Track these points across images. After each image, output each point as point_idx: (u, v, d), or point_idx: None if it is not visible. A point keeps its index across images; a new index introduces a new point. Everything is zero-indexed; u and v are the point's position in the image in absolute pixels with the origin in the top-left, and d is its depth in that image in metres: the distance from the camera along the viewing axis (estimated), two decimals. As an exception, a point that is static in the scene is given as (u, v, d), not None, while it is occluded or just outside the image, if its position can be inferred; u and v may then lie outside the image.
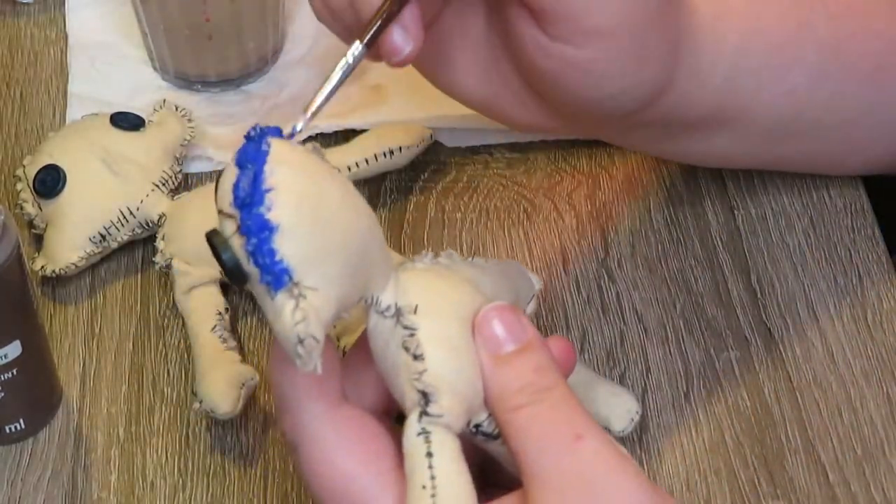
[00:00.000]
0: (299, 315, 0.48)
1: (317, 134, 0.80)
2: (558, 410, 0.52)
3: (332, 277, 0.49)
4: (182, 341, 0.73)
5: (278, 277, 0.48)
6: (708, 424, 0.69)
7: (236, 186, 0.49)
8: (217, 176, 0.51)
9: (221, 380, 0.67)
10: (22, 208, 0.76)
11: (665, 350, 0.71)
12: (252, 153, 0.49)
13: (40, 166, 0.75)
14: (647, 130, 0.68)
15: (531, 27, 0.61)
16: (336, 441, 0.52)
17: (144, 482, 0.68)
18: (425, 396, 0.51)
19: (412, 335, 0.52)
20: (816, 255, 0.75)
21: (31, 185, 0.75)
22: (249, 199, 0.49)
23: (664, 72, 0.64)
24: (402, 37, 0.59)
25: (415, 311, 0.52)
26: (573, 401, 0.53)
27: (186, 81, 0.84)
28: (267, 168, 0.49)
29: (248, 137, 0.50)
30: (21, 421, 0.68)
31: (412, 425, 0.51)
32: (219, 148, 0.81)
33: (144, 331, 0.73)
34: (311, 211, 0.49)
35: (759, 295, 0.73)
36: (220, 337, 0.70)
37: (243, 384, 0.67)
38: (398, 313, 0.52)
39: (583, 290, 0.74)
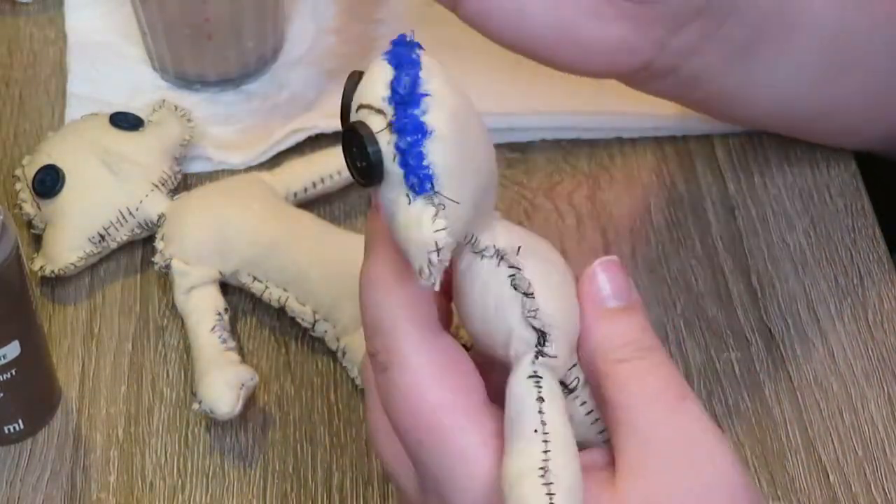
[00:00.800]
0: (441, 223, 0.47)
1: (317, 134, 0.80)
2: (663, 369, 0.52)
3: (467, 197, 0.49)
4: (181, 342, 0.73)
5: (423, 182, 0.47)
6: (708, 425, 0.69)
7: (396, 82, 0.48)
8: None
9: (221, 380, 0.67)
10: (21, 208, 0.76)
11: (665, 350, 0.71)
12: (406, 57, 0.49)
13: (39, 166, 0.75)
14: (717, 36, 0.66)
15: None
16: (430, 370, 0.51)
17: (143, 483, 0.67)
18: (542, 336, 0.50)
19: (520, 273, 0.51)
20: (817, 255, 0.75)
21: (30, 185, 0.75)
22: (409, 97, 0.48)
23: None
24: None
25: (517, 252, 0.51)
26: (673, 365, 0.53)
27: (186, 81, 0.84)
28: (423, 74, 0.49)
29: (395, 43, 0.49)
30: (20, 421, 0.68)
31: (524, 367, 0.50)
32: (218, 148, 0.81)
33: (143, 331, 0.73)
34: (461, 127, 0.49)
35: (759, 295, 0.73)
36: (219, 337, 0.70)
37: (243, 385, 0.67)
38: (500, 253, 0.51)
39: (583, 290, 0.74)
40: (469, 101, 0.50)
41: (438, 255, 0.47)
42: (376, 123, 0.48)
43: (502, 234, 0.52)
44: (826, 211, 0.77)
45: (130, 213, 0.74)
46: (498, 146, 0.79)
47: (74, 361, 0.72)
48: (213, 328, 0.70)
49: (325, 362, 0.71)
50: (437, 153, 0.48)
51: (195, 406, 0.67)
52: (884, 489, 0.66)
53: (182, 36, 0.82)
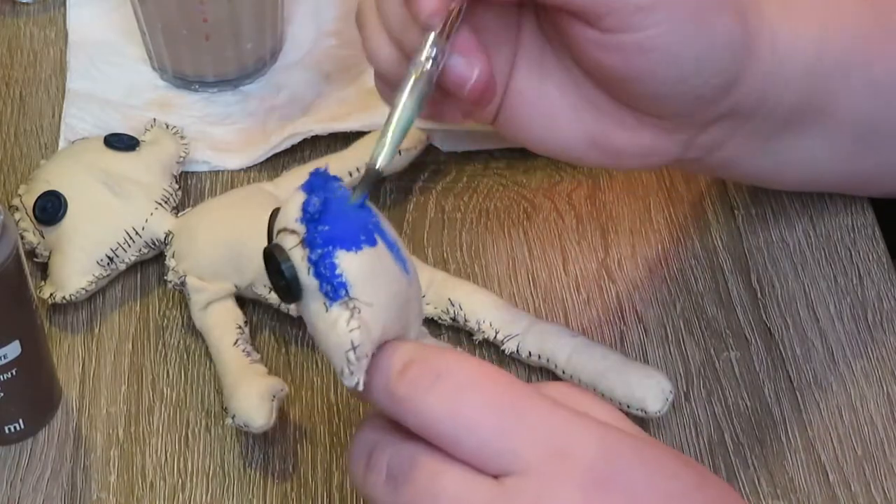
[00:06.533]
0: (354, 323, 0.51)
1: (312, 136, 0.80)
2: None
3: (382, 301, 0.52)
4: (181, 342, 0.73)
5: (336, 289, 0.51)
6: (708, 424, 0.69)
7: (307, 203, 0.52)
8: (272, 212, 0.54)
9: (254, 394, 0.66)
10: (23, 238, 0.74)
11: (665, 350, 0.71)
12: (319, 184, 0.53)
13: (39, 193, 0.74)
14: (743, 130, 0.67)
15: (585, 30, 0.60)
16: (478, 361, 0.53)
17: (144, 483, 0.67)
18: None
19: None
20: (816, 254, 0.75)
21: (30, 213, 0.74)
22: (319, 215, 0.52)
23: (733, 39, 0.63)
24: (463, 63, 0.59)
25: None
26: None
27: (184, 81, 0.84)
28: (332, 197, 0.53)
29: (312, 174, 0.54)
30: (20, 421, 0.68)
31: None
32: (216, 150, 0.81)
33: (144, 331, 0.73)
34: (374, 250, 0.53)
35: (759, 295, 0.73)
36: (243, 350, 0.69)
37: (274, 396, 0.67)
38: None
39: (583, 290, 0.74)
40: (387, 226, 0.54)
41: (355, 353, 0.51)
42: (290, 242, 0.52)
43: None
44: (826, 211, 0.77)
45: (137, 233, 0.73)
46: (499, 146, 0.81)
47: (75, 361, 0.72)
48: (235, 342, 0.70)
49: (326, 362, 0.71)
50: (349, 263, 0.52)
51: (228, 421, 0.67)
52: (883, 489, 0.66)
53: (180, 36, 0.82)
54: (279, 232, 0.53)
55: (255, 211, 0.73)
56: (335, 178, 0.54)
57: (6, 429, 0.68)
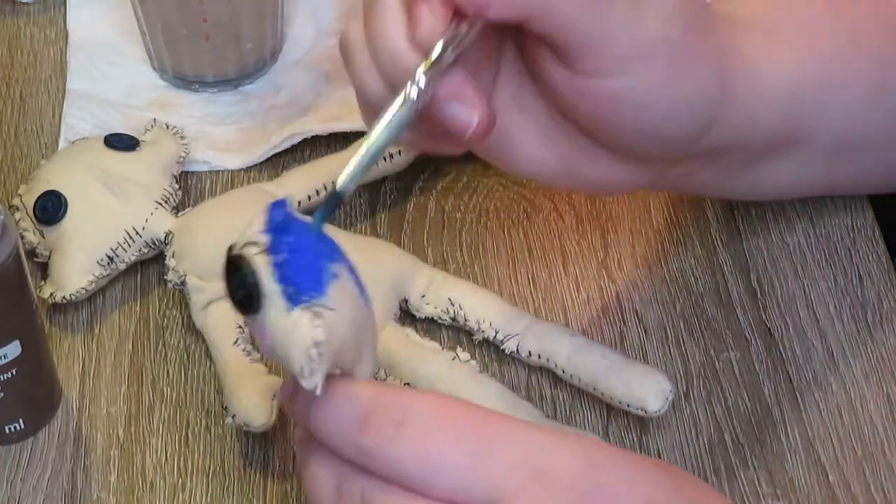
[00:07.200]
0: (318, 321, 0.50)
1: (312, 136, 0.80)
2: None
3: (343, 316, 0.51)
4: (181, 341, 0.73)
5: (300, 292, 0.50)
6: (708, 424, 0.69)
7: (270, 216, 0.52)
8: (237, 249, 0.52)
9: (254, 393, 0.66)
10: (23, 237, 0.74)
11: (665, 350, 0.71)
12: (281, 206, 0.53)
13: (39, 193, 0.74)
14: (719, 161, 0.67)
15: (558, 68, 0.60)
16: (439, 399, 0.52)
17: (144, 482, 0.67)
18: None
19: None
20: (816, 255, 0.75)
21: (30, 213, 0.74)
22: (282, 225, 0.51)
23: (709, 90, 0.62)
24: (461, 109, 0.58)
25: None
26: None
27: (184, 81, 0.84)
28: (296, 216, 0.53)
29: (272, 203, 0.53)
30: (21, 421, 0.68)
31: None
32: (216, 150, 0.81)
33: (144, 331, 0.73)
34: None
35: (759, 295, 0.74)
36: (243, 350, 0.69)
37: (274, 396, 0.67)
38: None
39: (583, 290, 0.74)
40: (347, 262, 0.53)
41: (317, 349, 0.50)
42: (252, 250, 0.51)
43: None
44: (826, 211, 0.77)
45: (137, 233, 0.73)
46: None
47: (75, 361, 0.72)
48: (235, 341, 0.70)
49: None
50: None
51: (228, 420, 0.67)
52: (883, 489, 0.66)
53: (180, 36, 0.82)
54: (242, 247, 0.52)
55: (255, 211, 0.73)
56: (291, 210, 0.53)
57: (6, 428, 0.68)
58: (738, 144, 0.66)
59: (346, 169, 0.55)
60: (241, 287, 0.51)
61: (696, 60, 0.61)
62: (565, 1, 0.58)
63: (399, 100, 0.56)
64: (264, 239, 0.51)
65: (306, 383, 0.50)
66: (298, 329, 0.50)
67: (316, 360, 0.50)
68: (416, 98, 0.56)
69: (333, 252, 0.53)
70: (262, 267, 0.51)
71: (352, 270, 0.53)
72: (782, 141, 0.67)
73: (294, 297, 0.50)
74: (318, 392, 0.51)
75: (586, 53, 0.59)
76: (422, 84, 0.56)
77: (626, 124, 0.61)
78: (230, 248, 0.52)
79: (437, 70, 0.57)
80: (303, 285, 0.51)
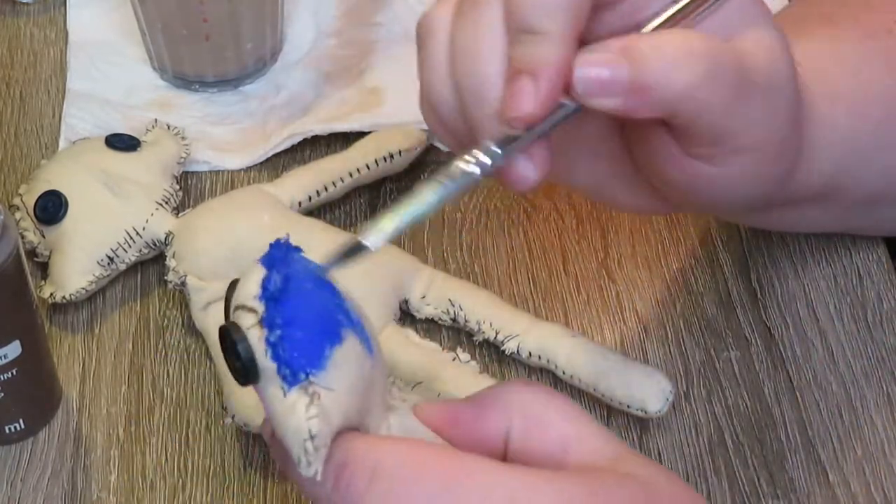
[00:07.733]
0: (314, 410, 0.48)
1: (312, 136, 0.80)
2: None
3: (344, 386, 0.49)
4: (181, 341, 0.73)
5: (295, 373, 0.48)
6: (708, 424, 0.69)
7: (267, 280, 0.49)
8: (229, 284, 0.51)
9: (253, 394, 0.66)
10: (23, 237, 0.74)
11: (665, 350, 0.72)
12: (279, 258, 0.50)
13: (39, 193, 0.74)
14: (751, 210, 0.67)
15: (669, 144, 0.58)
16: (412, 447, 0.51)
17: (144, 482, 0.67)
18: None
19: None
20: (816, 255, 0.75)
21: (31, 212, 0.74)
22: (279, 293, 0.49)
23: (791, 167, 0.62)
24: (529, 168, 0.55)
25: None
26: None
27: (184, 81, 0.84)
28: (294, 273, 0.49)
29: (272, 245, 0.50)
30: (21, 421, 0.68)
31: None
32: (216, 150, 0.81)
33: (144, 331, 0.73)
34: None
35: (759, 295, 0.74)
36: None
37: None
38: None
39: (583, 290, 0.74)
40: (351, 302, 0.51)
41: (313, 443, 0.48)
42: (248, 321, 0.49)
43: (396, 428, 0.52)
44: (825, 211, 0.77)
45: (137, 234, 0.73)
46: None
47: (75, 361, 0.72)
48: None
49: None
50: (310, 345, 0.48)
51: (227, 420, 0.67)
52: (883, 489, 0.66)
53: (180, 36, 0.82)
54: (236, 308, 0.49)
55: (256, 211, 0.73)
56: (296, 249, 0.50)
57: (6, 428, 0.68)
58: (779, 202, 0.66)
59: (379, 224, 0.51)
60: (238, 358, 0.49)
61: (793, 150, 0.61)
62: (713, 93, 0.55)
63: (460, 167, 0.52)
64: (260, 307, 0.49)
65: (303, 472, 0.49)
66: (295, 415, 0.48)
67: (312, 453, 0.48)
68: (479, 174, 0.52)
69: (337, 309, 0.50)
70: (257, 343, 0.48)
71: (356, 325, 0.50)
72: (819, 197, 0.67)
73: (290, 378, 0.48)
74: (318, 479, 0.49)
75: (707, 142, 0.57)
76: (488, 161, 0.52)
77: (705, 195, 0.60)
78: (227, 306, 0.50)
79: (512, 148, 0.53)
80: (299, 364, 0.48)
